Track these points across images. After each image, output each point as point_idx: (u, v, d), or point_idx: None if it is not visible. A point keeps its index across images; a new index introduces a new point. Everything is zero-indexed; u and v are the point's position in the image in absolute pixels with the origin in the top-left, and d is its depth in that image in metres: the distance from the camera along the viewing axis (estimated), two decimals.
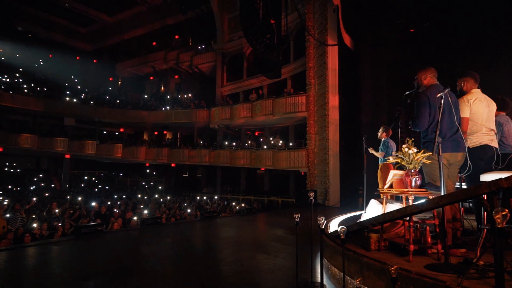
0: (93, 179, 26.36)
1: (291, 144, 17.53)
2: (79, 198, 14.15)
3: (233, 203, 15.66)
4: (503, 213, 1.59)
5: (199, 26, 25.69)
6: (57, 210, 10.43)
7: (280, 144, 17.75)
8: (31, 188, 20.03)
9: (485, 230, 2.90)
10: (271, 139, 19.08)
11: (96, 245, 5.95)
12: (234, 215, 12.34)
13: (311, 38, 14.28)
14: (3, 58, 25.28)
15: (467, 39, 9.54)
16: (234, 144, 20.80)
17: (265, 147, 18.47)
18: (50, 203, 11.18)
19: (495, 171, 3.48)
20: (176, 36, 27.55)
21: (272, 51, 11.98)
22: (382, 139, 6.84)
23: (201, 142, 23.19)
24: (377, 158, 7.15)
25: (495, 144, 3.71)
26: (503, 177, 2.14)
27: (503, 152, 3.95)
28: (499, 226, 1.63)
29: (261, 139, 20.65)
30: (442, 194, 2.93)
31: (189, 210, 12.71)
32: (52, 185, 21.69)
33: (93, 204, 11.96)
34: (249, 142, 20.35)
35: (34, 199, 12.90)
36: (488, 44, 9.17)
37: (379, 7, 11.69)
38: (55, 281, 3.85)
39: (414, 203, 3.03)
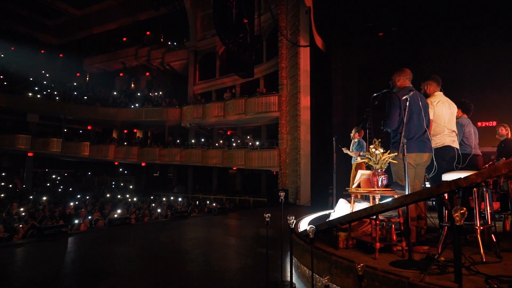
0: (59, 178, 25.30)
1: (266, 145, 17.54)
2: (44, 198, 13.56)
3: (206, 202, 15.55)
4: (462, 211, 1.67)
5: (171, 23, 25.22)
6: (22, 209, 9.95)
7: (251, 144, 17.73)
8: None
9: (446, 227, 3.03)
10: (248, 137, 19.04)
11: (60, 247, 5.71)
12: (206, 214, 12.24)
13: (284, 38, 14.38)
14: None
15: (431, 43, 10.00)
16: (206, 143, 20.62)
17: (234, 144, 18.43)
18: (10, 204, 10.65)
19: (455, 170, 3.64)
20: (148, 33, 26.94)
21: (245, 50, 11.95)
22: (355, 139, 7.03)
23: (176, 141, 22.80)
24: (349, 158, 7.34)
25: (456, 145, 3.89)
26: (462, 177, 2.24)
27: (464, 152, 4.16)
28: (457, 224, 1.70)
29: (232, 139, 20.60)
30: (407, 193, 3.03)
31: (159, 210, 12.48)
32: (10, 186, 20.56)
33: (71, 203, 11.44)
34: (221, 141, 20.25)
35: None
36: (450, 48, 9.65)
37: (350, 10, 11.95)
38: None
39: (380, 202, 3.12)
